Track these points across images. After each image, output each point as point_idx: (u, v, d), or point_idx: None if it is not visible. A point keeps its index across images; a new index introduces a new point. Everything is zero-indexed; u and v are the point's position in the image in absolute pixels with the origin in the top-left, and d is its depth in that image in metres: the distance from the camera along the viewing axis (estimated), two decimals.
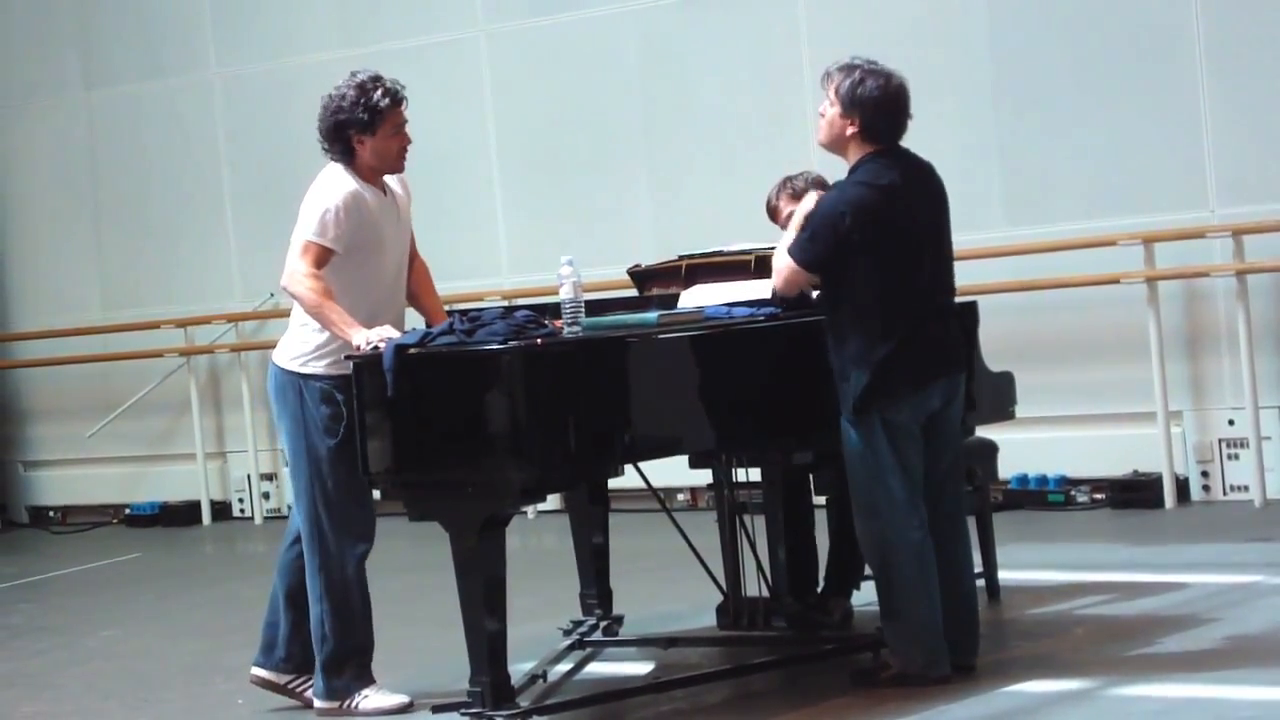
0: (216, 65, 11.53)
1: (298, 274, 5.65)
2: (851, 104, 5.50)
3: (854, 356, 5.47)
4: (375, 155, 5.77)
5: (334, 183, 5.75)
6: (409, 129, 5.82)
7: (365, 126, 5.71)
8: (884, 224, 5.44)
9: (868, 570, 6.27)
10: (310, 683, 5.94)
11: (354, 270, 5.73)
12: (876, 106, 5.51)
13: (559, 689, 5.92)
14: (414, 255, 6.09)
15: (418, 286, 6.09)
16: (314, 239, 5.67)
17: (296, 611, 5.93)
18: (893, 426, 5.48)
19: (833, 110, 5.55)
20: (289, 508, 6.12)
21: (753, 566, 6.31)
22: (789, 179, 6.47)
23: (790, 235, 5.59)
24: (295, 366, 5.82)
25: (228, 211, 11.52)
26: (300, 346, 5.82)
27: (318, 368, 5.78)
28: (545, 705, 5.57)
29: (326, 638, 5.80)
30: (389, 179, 5.89)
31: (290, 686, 6.00)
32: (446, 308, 6.15)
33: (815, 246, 5.48)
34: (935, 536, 5.55)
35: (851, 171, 5.56)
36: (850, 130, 5.53)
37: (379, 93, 5.72)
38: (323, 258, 5.66)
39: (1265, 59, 8.71)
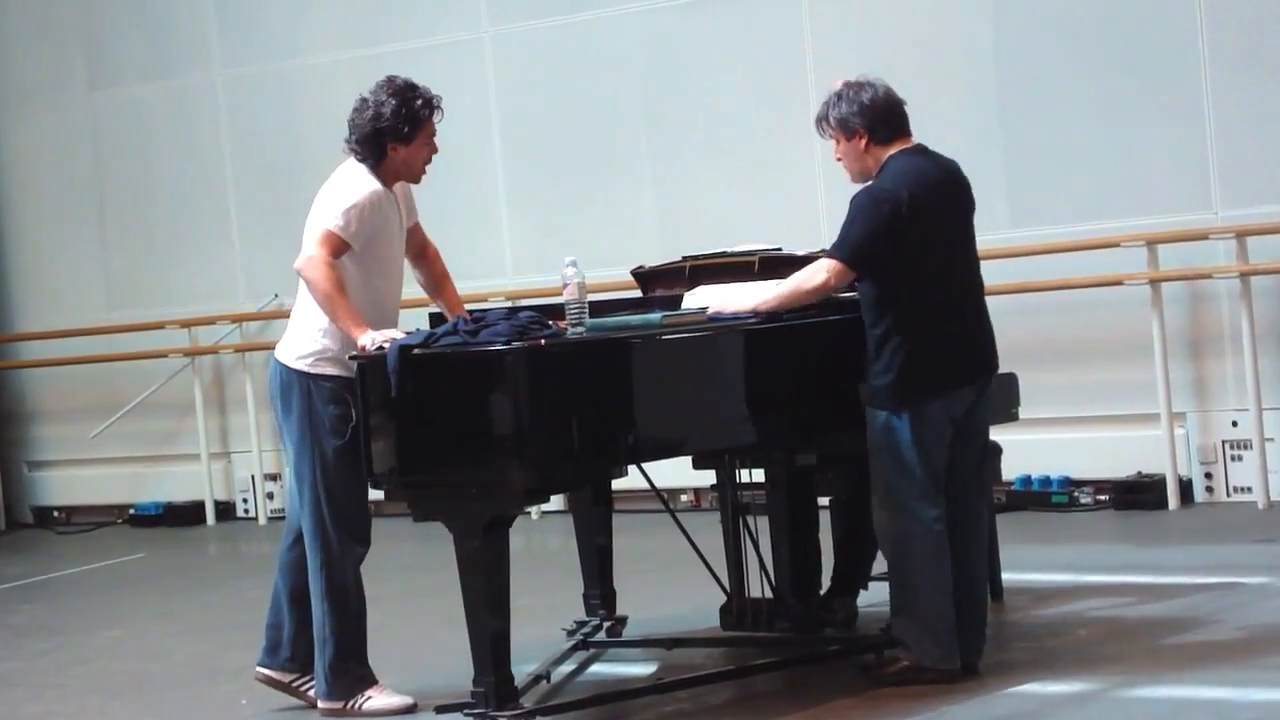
0: (221, 66, 11.53)
1: (315, 260, 5.66)
2: (849, 122, 5.64)
3: (894, 346, 5.50)
4: (404, 164, 5.80)
5: (359, 180, 5.76)
6: (437, 140, 5.85)
7: (405, 138, 5.74)
8: (917, 212, 5.48)
9: (874, 571, 6.29)
10: (314, 682, 5.96)
11: (364, 271, 5.74)
12: (872, 106, 5.64)
13: (562, 690, 5.92)
14: (425, 244, 6.10)
15: (434, 277, 6.12)
16: (336, 230, 5.68)
17: (302, 610, 5.93)
18: (924, 418, 5.51)
19: (842, 143, 5.69)
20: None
21: (756, 567, 6.31)
22: None
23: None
24: (304, 366, 5.81)
25: (232, 212, 11.53)
26: (309, 345, 5.82)
27: (327, 368, 5.78)
28: (548, 706, 5.58)
29: (329, 638, 5.81)
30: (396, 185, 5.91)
31: (295, 685, 6.01)
32: None
33: (857, 240, 5.51)
34: (951, 532, 5.57)
35: (879, 173, 5.61)
36: (863, 143, 5.64)
37: (419, 102, 5.75)
38: (340, 249, 5.68)
39: (1269, 61, 8.70)
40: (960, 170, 5.74)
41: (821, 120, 5.73)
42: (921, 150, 5.68)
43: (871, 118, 5.62)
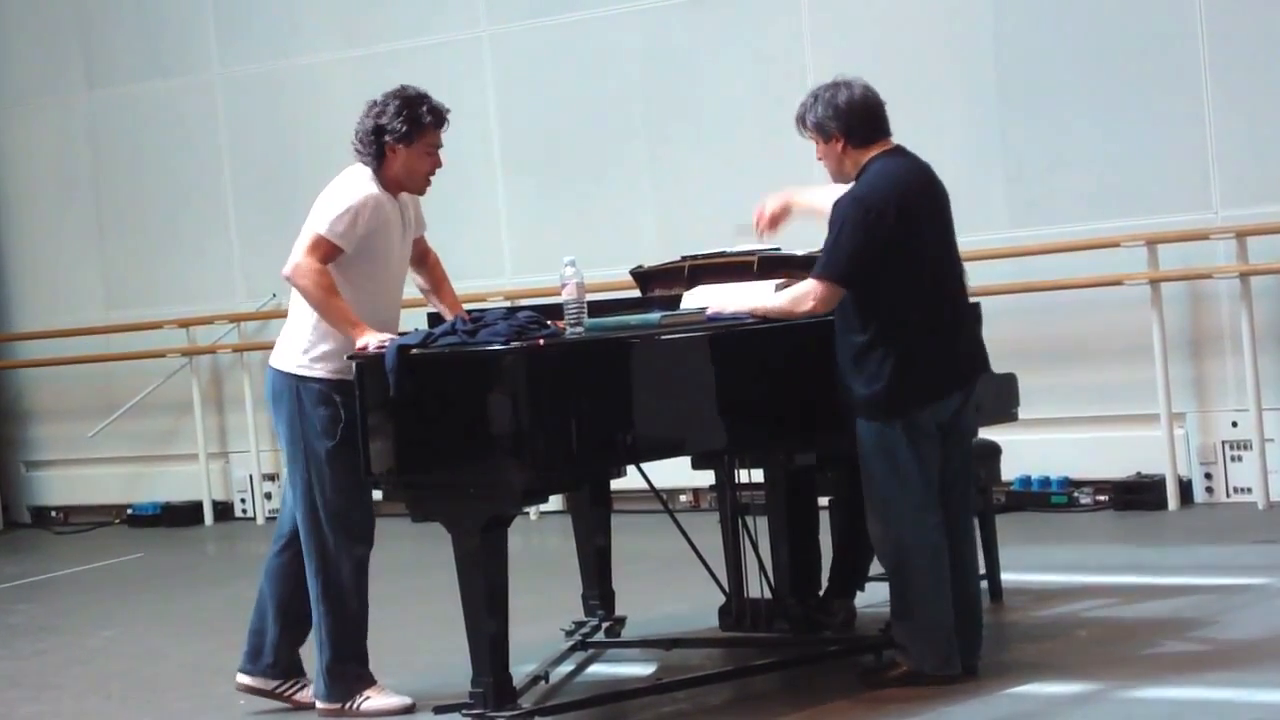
0: (219, 65, 11.53)
1: (302, 267, 5.65)
2: (825, 125, 5.58)
3: (881, 355, 5.44)
4: (404, 169, 5.77)
5: (358, 184, 5.75)
6: (441, 154, 5.82)
7: (402, 137, 5.72)
8: (901, 218, 5.44)
9: (872, 572, 6.27)
10: (299, 686, 5.96)
11: (357, 274, 5.73)
12: (848, 109, 5.56)
13: (561, 690, 5.91)
14: (427, 251, 6.11)
15: (433, 281, 6.13)
16: (326, 234, 5.67)
17: (287, 619, 5.93)
18: (914, 428, 5.47)
19: (821, 145, 5.63)
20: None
21: (755, 568, 6.30)
22: None
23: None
24: (292, 368, 5.81)
25: (230, 211, 11.52)
26: (297, 347, 5.81)
27: (315, 370, 5.77)
28: (547, 706, 5.56)
29: (326, 639, 5.79)
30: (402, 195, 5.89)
31: (279, 692, 6.00)
32: None
33: (842, 258, 5.45)
34: (944, 536, 5.54)
35: (858, 177, 5.56)
36: (840, 145, 5.57)
37: (424, 108, 5.74)
38: (330, 254, 5.67)
39: (1268, 61, 8.69)
40: (933, 170, 5.67)
41: (799, 122, 5.67)
42: (900, 151, 5.61)
43: (848, 121, 5.54)
